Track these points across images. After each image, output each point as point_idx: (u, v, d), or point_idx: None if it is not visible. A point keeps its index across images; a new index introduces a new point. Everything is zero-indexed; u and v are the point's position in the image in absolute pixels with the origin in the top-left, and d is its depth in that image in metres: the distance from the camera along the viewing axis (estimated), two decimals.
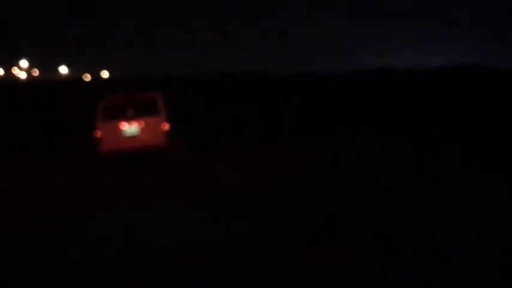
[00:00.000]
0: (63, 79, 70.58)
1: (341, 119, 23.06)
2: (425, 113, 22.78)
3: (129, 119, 14.85)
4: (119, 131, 14.76)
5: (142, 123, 14.83)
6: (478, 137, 16.77)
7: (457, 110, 22.53)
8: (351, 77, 40.71)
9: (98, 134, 14.70)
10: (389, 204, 8.91)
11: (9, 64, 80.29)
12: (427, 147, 15.50)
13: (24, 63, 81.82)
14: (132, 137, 14.79)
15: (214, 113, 26.13)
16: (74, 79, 65.45)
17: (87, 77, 72.13)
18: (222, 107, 28.27)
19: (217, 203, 9.85)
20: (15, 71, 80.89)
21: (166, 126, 14.79)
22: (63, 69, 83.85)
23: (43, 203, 11.21)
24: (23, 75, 79.83)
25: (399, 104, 25.76)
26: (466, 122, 19.79)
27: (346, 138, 18.46)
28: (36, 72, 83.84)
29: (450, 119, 20.75)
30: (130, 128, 14.80)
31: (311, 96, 31.08)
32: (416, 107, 24.24)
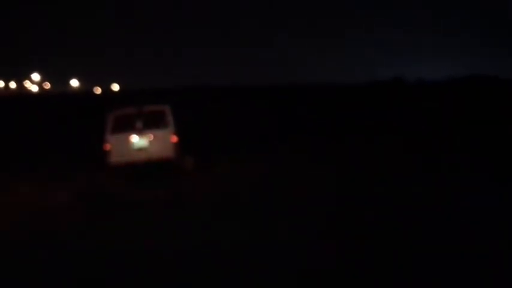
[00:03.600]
0: (74, 92, 70.91)
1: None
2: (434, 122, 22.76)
3: (138, 131, 14.92)
4: (127, 144, 14.84)
5: (151, 135, 14.90)
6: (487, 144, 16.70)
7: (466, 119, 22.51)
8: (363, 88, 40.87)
9: (107, 146, 14.78)
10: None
11: (21, 78, 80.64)
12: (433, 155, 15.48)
13: (36, 76, 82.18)
14: (141, 150, 14.86)
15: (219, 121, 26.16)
16: (84, 92, 65.83)
17: (98, 90, 72.49)
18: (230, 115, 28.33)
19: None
20: (27, 84, 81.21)
21: (174, 139, 14.84)
22: (74, 82, 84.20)
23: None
24: (34, 89, 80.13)
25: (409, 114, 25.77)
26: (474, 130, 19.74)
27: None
28: (47, 86, 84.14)
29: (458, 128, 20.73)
30: (139, 141, 14.87)
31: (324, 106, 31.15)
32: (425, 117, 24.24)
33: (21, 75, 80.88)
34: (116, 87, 79.82)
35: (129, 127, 14.78)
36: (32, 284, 6.66)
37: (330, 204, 9.43)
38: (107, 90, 72.76)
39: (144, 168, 14.66)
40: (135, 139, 14.74)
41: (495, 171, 11.11)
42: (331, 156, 15.21)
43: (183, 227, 8.78)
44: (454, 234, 7.05)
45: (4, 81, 78.17)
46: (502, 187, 9.67)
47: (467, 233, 7.05)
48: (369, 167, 12.73)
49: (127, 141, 14.69)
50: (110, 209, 10.74)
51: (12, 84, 78.99)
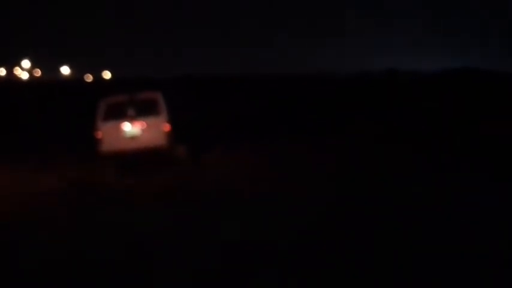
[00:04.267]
0: (65, 79, 70.26)
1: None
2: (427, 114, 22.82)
3: (129, 119, 14.66)
4: (119, 132, 14.59)
5: (143, 123, 14.63)
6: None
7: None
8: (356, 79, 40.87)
9: (99, 134, 14.54)
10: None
11: (11, 64, 79.59)
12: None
13: (26, 63, 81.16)
14: (133, 138, 14.60)
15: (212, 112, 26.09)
16: (75, 79, 65.28)
17: (89, 78, 71.87)
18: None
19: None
20: (17, 71, 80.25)
21: (167, 127, 14.59)
22: (65, 70, 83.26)
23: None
24: (24, 76, 79.16)
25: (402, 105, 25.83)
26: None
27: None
28: (38, 73, 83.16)
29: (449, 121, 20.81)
30: (131, 129, 14.62)
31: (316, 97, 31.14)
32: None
33: (12, 62, 79.84)
34: (107, 75, 79.06)
35: (121, 115, 14.55)
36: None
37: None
38: (98, 78, 72.09)
39: (136, 157, 14.50)
40: (127, 127, 14.52)
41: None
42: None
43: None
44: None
45: None
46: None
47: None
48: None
49: (119, 129, 14.48)
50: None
51: (2, 72, 78.01)
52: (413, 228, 7.43)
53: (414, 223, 7.69)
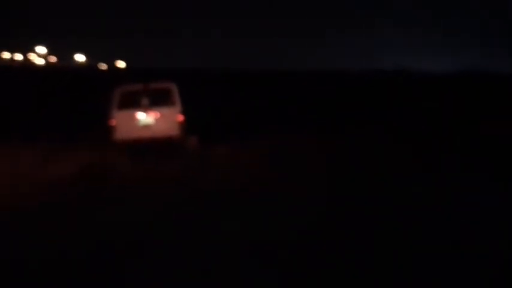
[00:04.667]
0: (79, 67, 70.00)
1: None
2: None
3: (143, 108, 14.81)
4: (133, 120, 14.72)
5: (157, 113, 14.78)
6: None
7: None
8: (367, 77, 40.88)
9: (113, 122, 14.67)
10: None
11: (26, 50, 79.28)
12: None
13: (41, 49, 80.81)
14: (146, 127, 14.73)
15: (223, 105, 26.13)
16: (90, 67, 65.13)
17: (103, 66, 71.68)
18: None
19: None
20: (32, 57, 79.95)
21: (180, 118, 14.73)
22: (80, 57, 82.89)
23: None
24: (40, 62, 78.84)
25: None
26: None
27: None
28: (53, 59, 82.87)
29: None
30: (144, 118, 14.77)
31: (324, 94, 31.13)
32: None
33: (27, 48, 79.53)
34: (122, 64, 78.73)
35: (135, 104, 14.76)
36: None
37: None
38: (112, 67, 71.81)
39: (149, 146, 14.60)
40: (141, 116, 14.70)
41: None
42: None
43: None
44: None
45: (10, 53, 76.77)
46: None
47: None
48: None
49: (133, 118, 14.67)
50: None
51: (19, 56, 77.76)
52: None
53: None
